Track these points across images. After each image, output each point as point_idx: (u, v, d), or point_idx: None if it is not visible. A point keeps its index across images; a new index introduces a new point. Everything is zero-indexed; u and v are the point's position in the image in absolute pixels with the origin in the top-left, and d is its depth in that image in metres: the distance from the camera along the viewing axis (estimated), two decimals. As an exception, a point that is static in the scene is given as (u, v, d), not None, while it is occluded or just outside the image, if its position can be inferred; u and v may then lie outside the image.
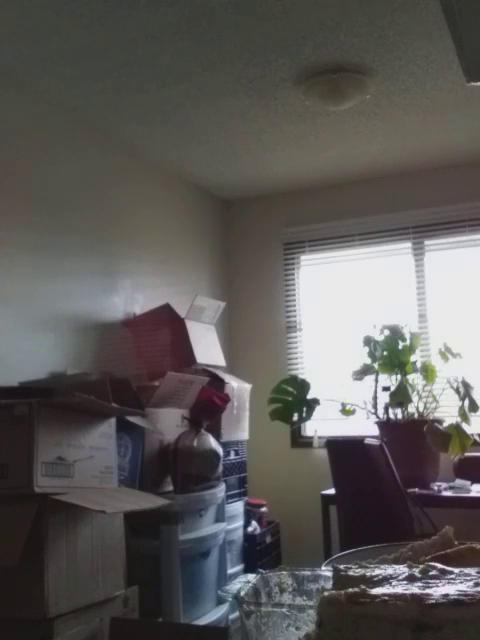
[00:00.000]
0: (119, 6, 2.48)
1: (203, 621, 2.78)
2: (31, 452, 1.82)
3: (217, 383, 3.36)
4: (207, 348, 3.55)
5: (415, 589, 0.83)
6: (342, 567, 0.94)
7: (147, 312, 3.58)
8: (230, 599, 0.98)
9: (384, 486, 3.17)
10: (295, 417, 3.85)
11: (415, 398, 3.77)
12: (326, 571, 1.05)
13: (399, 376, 3.79)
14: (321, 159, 4.10)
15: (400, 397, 3.69)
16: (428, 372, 3.80)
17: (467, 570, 0.90)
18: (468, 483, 3.53)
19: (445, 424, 3.56)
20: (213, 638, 1.74)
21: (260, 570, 1.09)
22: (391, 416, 3.76)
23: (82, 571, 1.93)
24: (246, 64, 2.93)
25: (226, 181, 4.44)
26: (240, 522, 3.55)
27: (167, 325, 3.47)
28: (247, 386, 3.69)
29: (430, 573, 0.89)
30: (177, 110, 3.35)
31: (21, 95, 3.04)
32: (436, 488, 3.53)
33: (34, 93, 3.10)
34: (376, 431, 3.77)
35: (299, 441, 4.46)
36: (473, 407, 3.57)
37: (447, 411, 3.78)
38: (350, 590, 0.84)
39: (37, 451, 1.83)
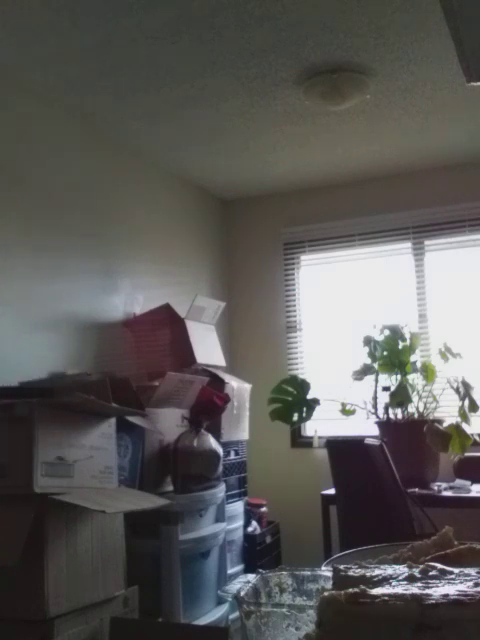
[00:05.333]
0: (119, 6, 2.48)
1: (203, 621, 2.78)
2: (31, 452, 1.82)
3: (217, 383, 3.36)
4: (207, 348, 3.54)
5: (415, 589, 0.83)
6: (342, 567, 0.95)
7: (147, 312, 3.58)
8: (230, 599, 0.98)
9: (384, 486, 3.17)
10: (295, 417, 3.85)
11: (415, 398, 3.77)
12: (326, 571, 1.05)
13: (399, 376, 3.80)
14: (321, 159, 4.10)
15: (400, 397, 3.69)
16: (428, 372, 3.80)
17: (467, 570, 0.90)
18: (468, 483, 3.53)
19: (445, 424, 3.56)
20: (213, 638, 1.74)
21: (260, 570, 1.09)
22: (391, 416, 3.76)
23: (82, 571, 1.93)
24: (246, 64, 2.93)
25: (226, 181, 4.44)
26: (240, 522, 3.55)
27: (167, 325, 3.47)
28: (247, 386, 3.69)
29: (430, 573, 0.89)
30: (177, 110, 3.35)
31: (21, 95, 3.04)
32: (436, 488, 3.53)
33: (34, 93, 3.10)
34: (376, 431, 3.77)
35: (299, 441, 4.46)
36: (473, 407, 3.57)
37: (447, 411, 3.79)
38: (350, 590, 0.84)
39: (37, 451, 1.83)
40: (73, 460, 1.95)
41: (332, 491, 3.49)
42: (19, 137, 3.01)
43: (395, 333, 3.85)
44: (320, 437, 4.24)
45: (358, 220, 4.42)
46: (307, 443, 4.40)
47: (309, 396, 3.84)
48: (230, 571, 3.19)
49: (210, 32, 2.67)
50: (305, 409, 3.83)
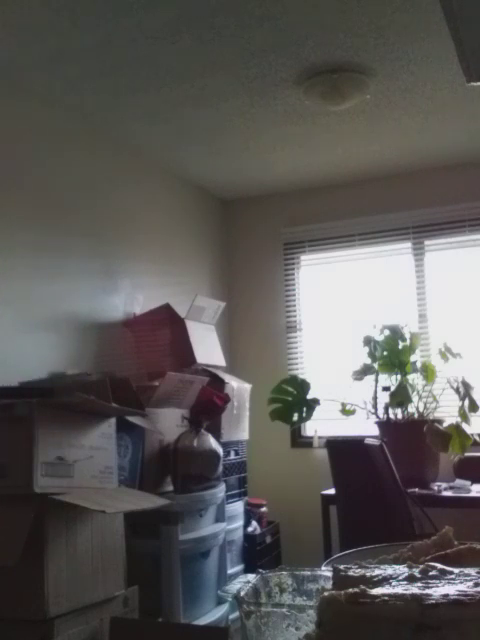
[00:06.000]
0: (119, 6, 2.48)
1: (203, 621, 2.78)
2: (31, 452, 1.82)
3: (217, 383, 3.36)
4: (207, 348, 3.54)
5: (415, 589, 0.83)
6: (342, 567, 0.94)
7: (147, 312, 3.58)
8: (230, 599, 0.98)
9: (384, 486, 3.17)
10: (295, 417, 3.85)
11: (415, 398, 3.77)
12: (326, 571, 1.05)
13: (399, 376, 3.79)
14: (321, 159, 4.10)
15: (400, 397, 3.69)
16: (428, 372, 3.80)
17: (467, 570, 0.90)
18: (468, 483, 3.53)
19: (445, 424, 3.56)
20: (213, 638, 1.75)
21: (260, 570, 1.09)
22: (391, 416, 3.76)
23: (82, 571, 1.93)
24: (246, 64, 2.93)
25: (226, 181, 4.44)
26: (240, 522, 3.55)
27: (167, 325, 3.47)
28: (247, 386, 3.69)
29: (430, 573, 0.89)
30: (177, 110, 3.35)
31: (21, 95, 3.04)
32: (436, 488, 3.53)
33: (34, 93, 3.10)
34: (376, 431, 3.77)
35: (299, 441, 4.46)
36: (473, 407, 3.57)
37: (447, 411, 3.79)
38: (350, 590, 0.84)
39: (37, 451, 1.83)
40: (73, 460, 1.95)
41: (332, 491, 3.49)
42: (19, 137, 3.01)
43: (395, 333, 3.85)
44: (320, 437, 4.24)
45: (358, 220, 4.42)
46: (307, 443, 4.40)
47: (309, 396, 3.84)
48: (230, 571, 3.19)
49: (210, 32, 2.67)
50: (305, 409, 3.83)
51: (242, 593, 0.97)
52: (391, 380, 3.82)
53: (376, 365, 3.83)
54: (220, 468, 3.00)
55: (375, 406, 3.81)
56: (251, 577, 1.04)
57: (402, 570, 0.91)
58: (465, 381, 3.62)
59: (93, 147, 3.51)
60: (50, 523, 1.84)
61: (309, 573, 1.06)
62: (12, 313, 2.89)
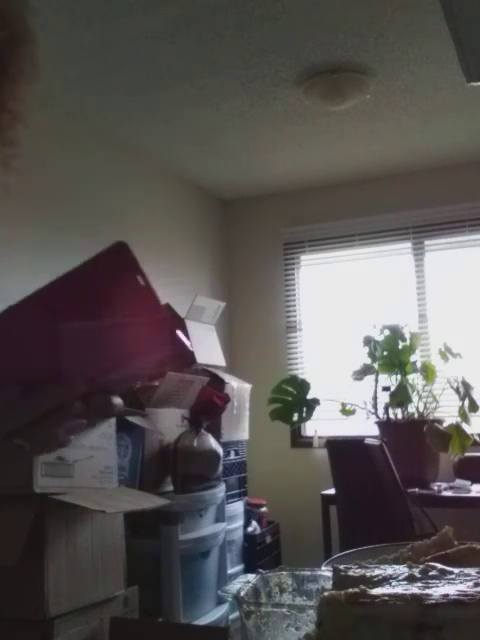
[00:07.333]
0: (119, 6, 2.48)
1: (203, 621, 2.78)
2: (31, 452, 1.82)
3: (217, 383, 3.35)
4: (207, 348, 3.54)
5: (415, 589, 0.83)
6: (342, 567, 0.94)
7: (147, 312, 3.57)
8: (230, 599, 0.97)
9: (384, 486, 3.17)
10: (295, 417, 3.85)
11: (415, 398, 3.77)
12: (326, 571, 1.05)
13: (399, 376, 3.79)
14: (321, 159, 4.10)
15: (400, 397, 3.69)
16: (428, 372, 3.80)
17: (467, 570, 0.90)
18: (468, 483, 3.53)
19: (445, 424, 3.56)
20: (213, 638, 1.75)
21: (260, 570, 1.09)
22: (391, 416, 3.76)
23: (82, 571, 1.93)
24: (246, 64, 2.92)
25: (226, 181, 4.44)
26: (240, 522, 3.55)
27: (167, 325, 3.46)
28: (247, 386, 3.68)
29: (430, 573, 0.89)
30: (177, 110, 3.35)
31: (21, 95, 3.04)
32: (436, 488, 3.53)
33: (34, 93, 3.09)
34: (376, 431, 3.77)
35: (299, 441, 4.46)
36: (473, 407, 3.57)
37: (447, 411, 3.79)
38: (350, 590, 0.83)
39: (37, 451, 1.82)
40: (73, 460, 1.95)
41: (332, 491, 3.49)
42: (19, 137, 3.01)
43: (395, 333, 3.85)
44: (320, 437, 4.24)
45: (358, 220, 4.41)
46: (307, 443, 4.40)
47: (309, 396, 3.84)
48: (230, 571, 3.19)
49: (210, 32, 2.67)
50: (305, 409, 3.83)
51: (242, 593, 0.97)
52: (391, 380, 3.82)
53: (376, 365, 3.83)
54: (220, 468, 3.00)
55: (375, 406, 3.81)
56: (251, 577, 1.04)
57: (402, 570, 0.91)
58: (465, 381, 3.62)
59: (93, 147, 3.51)
60: (50, 523, 1.84)
61: (309, 573, 1.06)
62: (12, 313, 2.88)
